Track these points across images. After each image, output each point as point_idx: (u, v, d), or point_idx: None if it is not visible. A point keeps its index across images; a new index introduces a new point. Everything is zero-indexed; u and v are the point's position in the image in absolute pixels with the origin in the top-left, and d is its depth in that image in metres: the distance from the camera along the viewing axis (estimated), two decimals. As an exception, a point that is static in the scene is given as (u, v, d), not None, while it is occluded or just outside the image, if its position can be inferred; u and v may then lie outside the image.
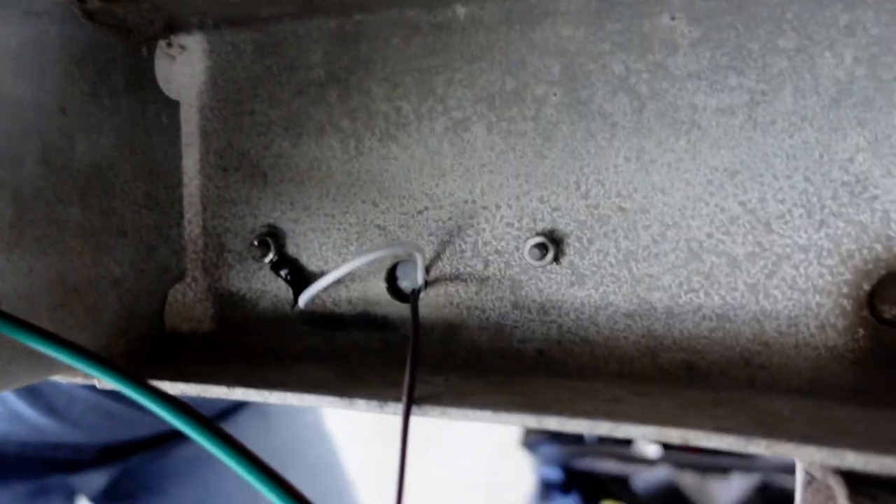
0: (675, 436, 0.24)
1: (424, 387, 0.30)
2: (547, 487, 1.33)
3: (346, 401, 0.29)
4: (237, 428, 0.71)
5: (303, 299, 0.34)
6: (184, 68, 0.40)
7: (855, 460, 0.22)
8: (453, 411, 0.27)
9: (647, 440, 0.24)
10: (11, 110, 0.30)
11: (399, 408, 0.27)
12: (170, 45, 0.40)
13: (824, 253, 0.29)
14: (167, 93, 0.40)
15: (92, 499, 0.77)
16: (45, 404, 0.60)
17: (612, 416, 0.25)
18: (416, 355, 0.29)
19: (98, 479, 0.74)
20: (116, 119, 0.36)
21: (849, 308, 0.29)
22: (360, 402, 0.28)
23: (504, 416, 0.26)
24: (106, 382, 0.25)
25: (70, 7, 0.33)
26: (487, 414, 0.26)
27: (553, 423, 0.25)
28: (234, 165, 0.40)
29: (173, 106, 0.40)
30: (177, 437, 0.70)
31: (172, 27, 0.39)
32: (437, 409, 0.27)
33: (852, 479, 0.23)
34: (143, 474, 0.75)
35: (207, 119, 0.40)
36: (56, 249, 0.32)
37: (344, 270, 0.32)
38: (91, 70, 0.35)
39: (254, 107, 0.39)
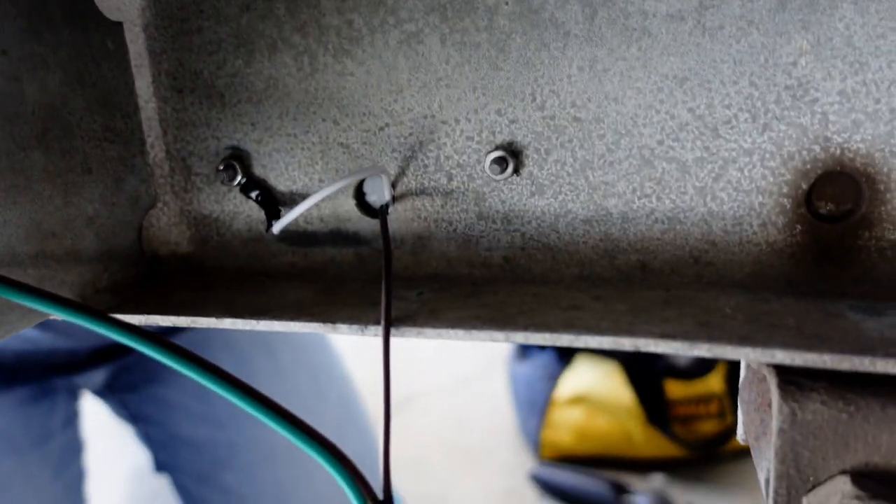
0: (628, 343, 0.26)
1: (400, 304, 0.32)
2: (525, 345, 1.42)
3: (329, 326, 0.31)
4: None
5: (276, 228, 0.35)
6: (120, -17, 0.38)
7: (783, 357, 0.25)
8: (429, 331, 0.29)
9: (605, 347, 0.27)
10: (-48, 62, 0.30)
11: (379, 330, 0.30)
12: (100, -42, 0.38)
13: (767, 155, 0.30)
14: (107, 14, 0.38)
15: (95, 392, 0.81)
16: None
17: (572, 327, 0.27)
18: (389, 279, 0.31)
19: (98, 375, 0.78)
20: (61, 52, 0.35)
21: (788, 206, 0.31)
22: (343, 327, 0.31)
23: (475, 333, 0.28)
24: (86, 325, 0.27)
25: (-11, -64, 0.31)
26: (460, 332, 0.28)
27: (520, 337, 0.28)
28: (188, 87, 0.39)
29: (117, 29, 0.38)
30: (169, 332, 0.73)
31: (101, -59, 0.37)
32: (414, 330, 0.29)
33: (783, 370, 0.26)
34: (141, 366, 0.79)
35: (154, 38, 0.39)
36: (26, 197, 0.33)
37: (313, 201, 0.33)
38: (25, 4, 0.33)
39: (200, 24, 0.38)
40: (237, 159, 0.39)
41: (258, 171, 0.39)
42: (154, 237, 0.41)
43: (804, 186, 0.30)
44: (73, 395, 0.79)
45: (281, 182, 0.39)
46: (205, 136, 0.39)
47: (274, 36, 0.37)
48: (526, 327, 0.28)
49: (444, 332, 0.29)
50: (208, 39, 0.38)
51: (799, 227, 0.31)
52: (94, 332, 0.69)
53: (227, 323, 0.32)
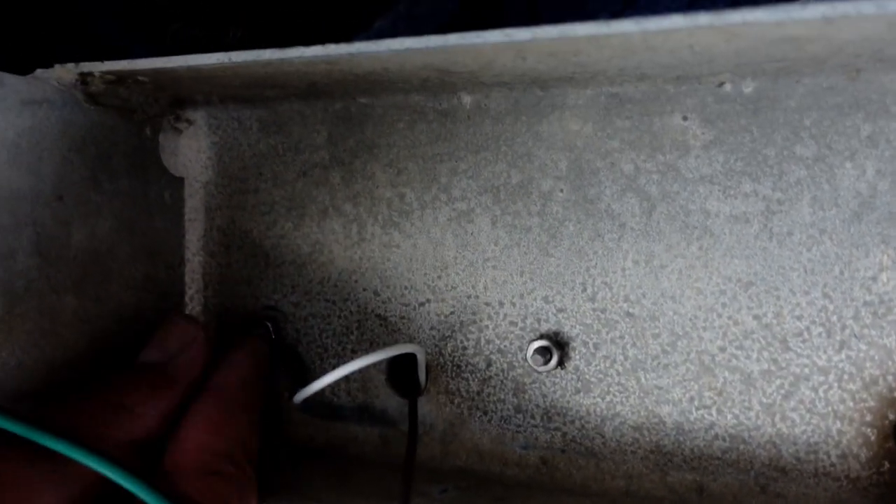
0: (679, 591, 0.22)
1: (420, 501, 0.29)
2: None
3: (334, 520, 0.27)
4: None
5: (298, 398, 0.33)
6: (190, 142, 0.40)
7: None
8: (444, 542, 0.25)
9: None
10: (5, 203, 0.30)
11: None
12: (177, 118, 0.40)
13: (845, 377, 0.27)
14: (172, 168, 0.39)
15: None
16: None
17: (612, 560, 0.23)
18: (410, 472, 0.28)
19: None
20: (116, 202, 0.35)
21: (872, 438, 0.27)
22: (351, 524, 0.27)
23: (497, 551, 0.24)
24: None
25: (72, 91, 0.33)
26: (480, 548, 0.25)
27: (549, 564, 0.24)
28: (236, 244, 0.39)
29: (177, 183, 0.39)
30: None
31: (178, 103, 0.39)
32: (428, 539, 0.25)
33: None
34: None
35: (212, 195, 0.40)
36: (48, 342, 0.32)
37: (343, 372, 0.31)
38: (91, 154, 0.34)
39: (258, 185, 0.38)
40: (271, 321, 0.37)
41: (291, 334, 0.37)
42: (176, 392, 0.39)
43: (891, 416, 0.26)
44: None
45: (312, 349, 0.37)
46: (244, 294, 0.39)
47: (326, 203, 0.37)
48: (558, 553, 0.24)
49: (462, 546, 0.25)
50: (263, 200, 0.38)
51: (887, 464, 0.26)
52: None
53: (227, 502, 0.29)
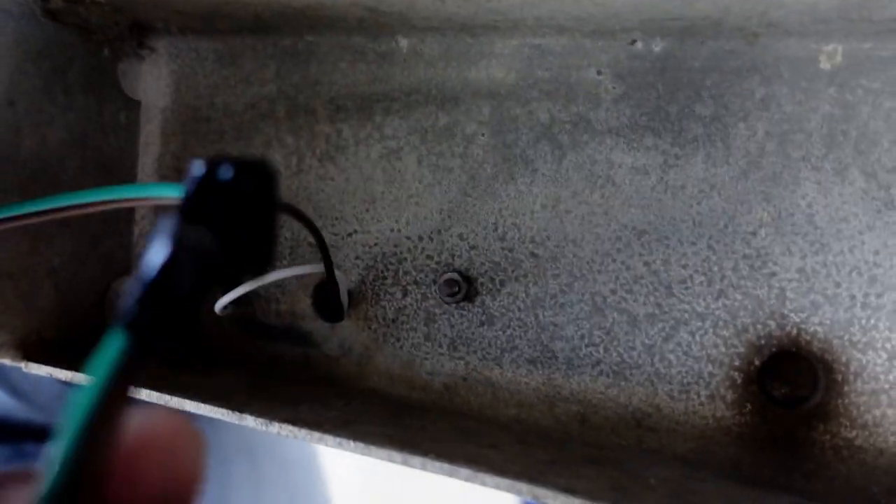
0: (525, 490, 0.24)
1: (320, 409, 0.31)
2: None
3: (236, 415, 0.29)
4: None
5: (218, 305, 0.35)
6: (151, 69, 0.41)
7: (689, 540, 0.22)
8: (329, 439, 0.27)
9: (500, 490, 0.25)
10: (-44, 103, 0.32)
11: (284, 428, 0.28)
12: (140, 45, 0.41)
13: (720, 323, 0.29)
14: (132, 93, 0.41)
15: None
16: (11, 386, 0.61)
17: (473, 463, 0.25)
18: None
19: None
20: (70, 115, 0.37)
21: (739, 381, 0.29)
22: (249, 419, 0.29)
23: (374, 449, 0.26)
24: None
25: (31, 5, 0.35)
26: (359, 446, 0.27)
27: (417, 462, 0.26)
28: (187, 168, 0.41)
29: (133, 106, 0.41)
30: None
31: (140, 29, 0.40)
32: (316, 435, 0.28)
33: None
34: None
35: (168, 121, 0.41)
36: (-8, 241, 0.34)
37: (260, 282, 0.33)
38: (46, 66, 0.36)
39: (210, 114, 0.40)
40: (212, 243, 0.39)
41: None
42: (119, 304, 0.41)
43: (757, 363, 0.28)
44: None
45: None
46: (190, 217, 0.40)
47: (270, 134, 0.38)
48: (426, 453, 0.26)
49: (344, 442, 0.27)
50: (213, 129, 0.40)
51: (749, 405, 0.28)
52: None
53: (143, 395, 0.31)
